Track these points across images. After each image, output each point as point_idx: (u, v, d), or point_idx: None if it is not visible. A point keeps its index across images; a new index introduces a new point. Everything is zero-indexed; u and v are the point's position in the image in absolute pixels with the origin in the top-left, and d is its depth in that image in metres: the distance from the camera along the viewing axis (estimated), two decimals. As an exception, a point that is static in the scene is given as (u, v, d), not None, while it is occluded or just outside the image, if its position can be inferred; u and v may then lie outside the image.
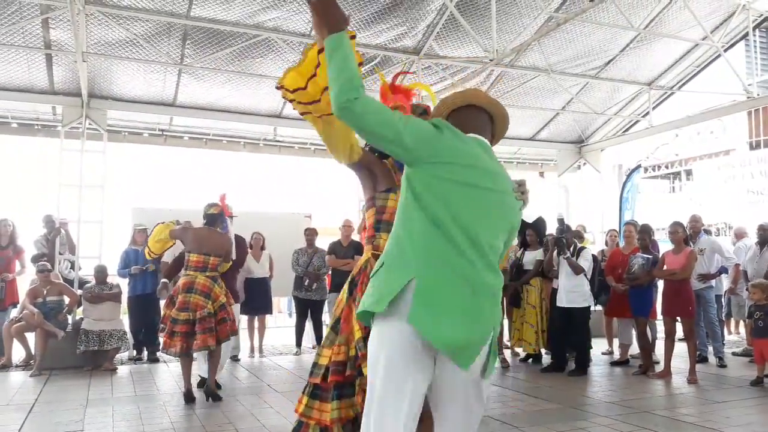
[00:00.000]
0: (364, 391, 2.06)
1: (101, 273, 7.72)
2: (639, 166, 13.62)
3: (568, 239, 7.05)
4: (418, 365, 1.95)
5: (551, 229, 7.57)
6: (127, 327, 7.82)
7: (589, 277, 7.05)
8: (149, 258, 6.45)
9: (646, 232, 7.31)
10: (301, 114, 2.68)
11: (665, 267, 6.71)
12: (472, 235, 1.99)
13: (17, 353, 7.55)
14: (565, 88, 9.86)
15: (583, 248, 7.19)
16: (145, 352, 8.04)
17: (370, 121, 1.93)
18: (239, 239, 7.04)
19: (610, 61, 9.65)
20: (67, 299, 7.60)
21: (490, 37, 7.71)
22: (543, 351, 7.70)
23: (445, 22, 8.13)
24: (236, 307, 6.51)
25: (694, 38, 9.28)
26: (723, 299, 8.73)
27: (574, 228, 8.18)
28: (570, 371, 6.94)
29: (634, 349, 7.51)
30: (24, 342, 7.45)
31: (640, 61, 9.83)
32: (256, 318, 8.57)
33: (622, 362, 7.46)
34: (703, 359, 7.40)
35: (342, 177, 11.93)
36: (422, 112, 2.79)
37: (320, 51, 2.38)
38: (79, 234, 8.32)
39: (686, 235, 6.94)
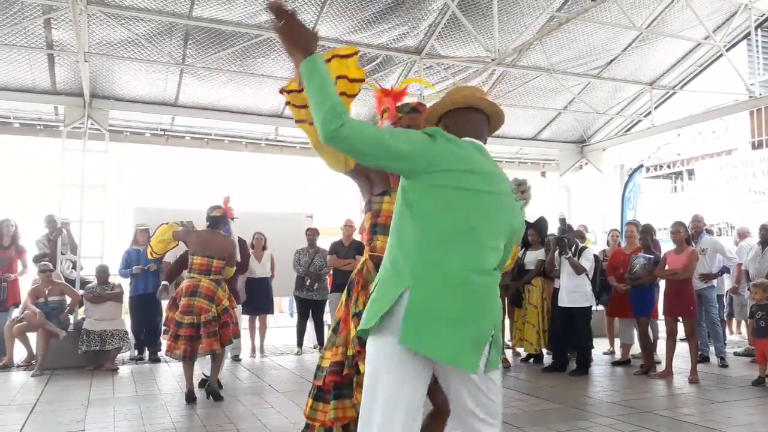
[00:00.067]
0: (362, 386, 2.08)
1: (103, 273, 7.73)
2: (641, 166, 13.60)
3: (570, 239, 7.05)
4: (413, 374, 1.95)
5: (553, 228, 7.57)
6: (128, 327, 7.83)
7: (590, 277, 7.04)
8: (150, 257, 6.45)
9: (647, 231, 7.29)
10: (297, 122, 2.67)
11: (667, 267, 6.70)
12: (471, 238, 1.99)
13: (19, 353, 7.55)
14: (566, 87, 9.85)
15: (584, 248, 7.19)
16: (147, 352, 8.05)
17: (359, 144, 1.93)
18: (240, 242, 7.04)
19: (612, 61, 9.64)
20: (68, 299, 7.60)
21: (491, 36, 7.71)
22: (544, 351, 7.69)
23: (447, 22, 8.13)
24: (238, 308, 6.51)
25: (696, 38, 9.27)
26: (725, 299, 8.72)
27: (575, 228, 8.17)
28: (571, 371, 6.93)
29: (636, 349, 7.50)
30: (25, 342, 7.46)
31: (642, 60, 9.82)
32: (258, 318, 8.57)
33: (624, 362, 7.45)
34: (705, 359, 7.38)
35: (343, 177, 11.91)
36: (410, 110, 2.76)
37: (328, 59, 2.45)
38: (81, 234, 8.33)
39: (688, 234, 6.93)
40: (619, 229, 9.55)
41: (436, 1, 7.78)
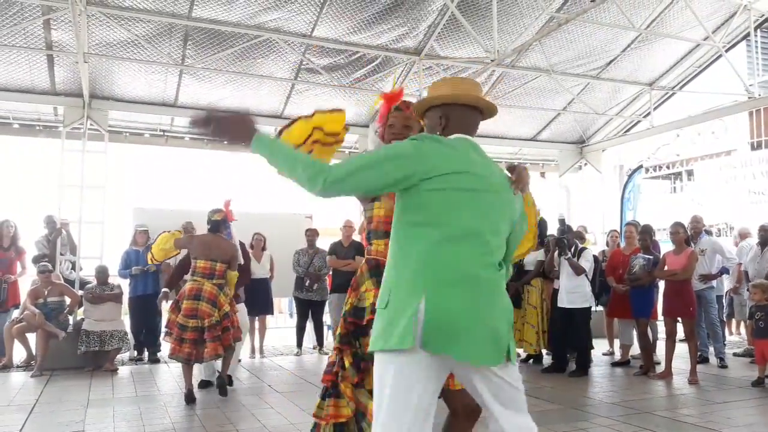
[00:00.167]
0: (348, 380, 2.19)
1: (102, 273, 7.72)
2: (640, 167, 13.61)
3: (569, 240, 7.05)
4: (424, 379, 1.94)
5: (552, 229, 7.57)
6: (128, 327, 7.82)
7: (590, 277, 7.04)
8: (150, 263, 6.45)
9: (647, 232, 7.30)
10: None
11: (666, 267, 6.71)
12: (476, 238, 1.99)
13: (18, 354, 7.55)
14: (566, 88, 9.86)
15: (584, 249, 7.19)
16: (146, 353, 8.04)
17: (351, 185, 1.96)
18: (240, 245, 7.05)
19: (611, 62, 9.65)
20: (68, 300, 7.60)
21: (491, 37, 7.71)
22: (544, 351, 7.69)
23: (446, 23, 8.13)
24: (242, 309, 6.50)
25: (696, 38, 9.28)
26: (724, 300, 8.73)
27: (575, 228, 8.18)
28: (571, 372, 6.94)
29: (635, 349, 7.51)
30: (25, 342, 7.45)
31: (642, 61, 9.83)
32: (257, 319, 8.57)
33: (623, 363, 7.45)
34: (704, 360, 7.39)
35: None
36: (395, 109, 2.75)
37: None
38: (80, 234, 8.33)
39: (687, 235, 6.94)
40: (619, 230, 9.55)
41: (435, 2, 7.79)
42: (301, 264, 8.46)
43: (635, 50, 9.47)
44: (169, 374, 7.09)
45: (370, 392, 2.60)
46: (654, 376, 6.68)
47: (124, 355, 7.89)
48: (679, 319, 6.62)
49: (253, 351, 8.51)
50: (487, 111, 2.25)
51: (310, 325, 8.90)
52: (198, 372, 6.14)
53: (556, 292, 7.18)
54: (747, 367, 7.14)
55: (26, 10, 6.98)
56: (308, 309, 8.63)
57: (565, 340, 7.15)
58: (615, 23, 8.49)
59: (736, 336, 9.87)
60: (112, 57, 7.88)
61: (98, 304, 7.50)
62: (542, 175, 12.56)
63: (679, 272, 6.51)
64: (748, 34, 9.51)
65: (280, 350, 8.86)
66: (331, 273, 8.48)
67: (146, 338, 8.07)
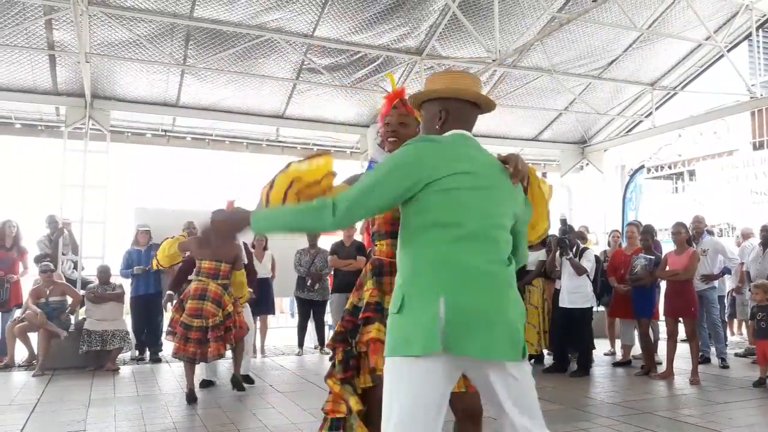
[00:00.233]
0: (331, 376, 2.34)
1: (104, 273, 7.73)
2: (642, 167, 13.60)
3: (571, 240, 7.05)
4: (443, 387, 1.94)
5: (554, 229, 7.56)
6: (129, 327, 7.83)
7: (591, 277, 7.04)
8: (155, 268, 6.47)
9: (648, 232, 7.29)
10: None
11: (668, 268, 6.70)
12: (484, 235, 2.00)
13: (20, 353, 7.56)
14: (567, 88, 9.85)
15: (585, 249, 7.19)
16: (148, 353, 8.05)
17: (359, 211, 1.98)
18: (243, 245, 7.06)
19: (613, 62, 9.64)
20: (69, 299, 7.61)
21: (492, 37, 7.71)
22: (545, 352, 7.69)
23: (448, 23, 8.13)
24: (247, 308, 6.51)
25: (698, 38, 9.27)
26: (726, 300, 8.72)
27: (576, 228, 8.18)
28: (572, 372, 6.93)
29: (637, 349, 7.50)
30: (27, 342, 7.46)
31: (643, 61, 9.82)
32: (259, 318, 8.55)
33: (625, 363, 7.45)
34: (706, 360, 7.38)
35: (344, 178, 11.92)
36: (393, 107, 2.75)
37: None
38: (82, 234, 8.33)
39: (689, 235, 6.93)
40: (620, 230, 9.55)
41: (437, 2, 7.78)
42: (303, 264, 8.46)
43: (637, 50, 9.46)
44: (171, 374, 7.10)
45: (355, 389, 2.62)
46: (655, 376, 6.68)
47: (126, 355, 7.90)
48: (681, 319, 6.62)
49: (254, 351, 8.50)
50: (485, 106, 2.23)
51: (311, 325, 8.91)
52: (200, 372, 6.14)
53: (557, 292, 7.18)
54: (748, 367, 7.13)
55: (28, 10, 6.99)
56: (310, 309, 8.63)
57: (567, 341, 7.14)
58: (617, 23, 8.49)
59: (738, 336, 9.86)
60: (114, 57, 7.89)
61: (100, 304, 7.52)
62: (544, 175, 12.51)
63: (680, 272, 6.50)
64: (750, 34, 9.50)
65: (281, 350, 8.87)
66: (332, 273, 8.48)
67: (148, 338, 8.08)
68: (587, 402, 5.60)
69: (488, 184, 2.06)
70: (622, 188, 12.34)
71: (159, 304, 8.18)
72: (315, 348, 8.80)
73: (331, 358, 2.76)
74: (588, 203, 12.20)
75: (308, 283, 8.39)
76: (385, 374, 1.97)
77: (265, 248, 8.49)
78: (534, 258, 7.62)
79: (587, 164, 11.87)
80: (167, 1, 7.18)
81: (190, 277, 5.88)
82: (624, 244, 8.20)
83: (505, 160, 2.14)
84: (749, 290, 7.35)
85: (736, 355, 8.03)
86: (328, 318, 8.91)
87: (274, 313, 9.40)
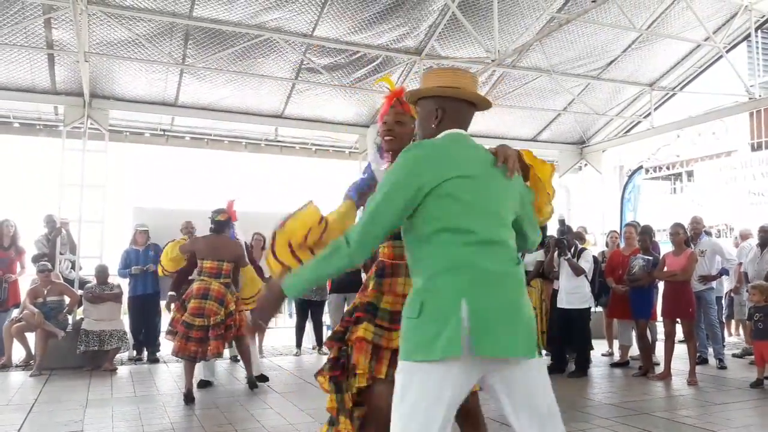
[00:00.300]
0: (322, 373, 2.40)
1: (102, 273, 7.72)
2: (640, 167, 13.60)
3: (569, 240, 7.05)
4: (460, 390, 1.94)
5: (552, 230, 7.56)
6: (127, 327, 7.82)
7: (589, 278, 7.04)
8: (161, 275, 6.47)
9: (646, 233, 7.30)
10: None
11: (666, 268, 6.70)
12: (492, 236, 2.00)
13: (17, 353, 7.55)
14: (566, 88, 9.85)
15: (583, 249, 7.19)
16: (145, 353, 8.05)
17: (373, 235, 2.01)
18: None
19: (611, 62, 9.65)
20: (67, 299, 7.60)
21: (492, 37, 7.71)
22: (543, 352, 7.68)
23: (447, 23, 8.13)
24: None
25: (696, 39, 9.27)
26: (723, 301, 8.73)
27: (575, 229, 8.18)
28: (570, 372, 6.93)
29: (635, 350, 7.50)
30: (24, 342, 7.45)
31: (642, 61, 9.83)
32: (257, 318, 8.56)
33: (622, 364, 7.45)
34: (703, 361, 7.39)
35: (343, 178, 11.94)
36: (391, 107, 2.74)
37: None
38: (80, 234, 8.32)
39: (687, 236, 6.93)
40: (618, 231, 9.55)
41: (436, 2, 7.78)
42: (301, 264, 8.45)
43: (636, 51, 9.46)
44: (168, 374, 7.09)
45: (347, 388, 2.62)
46: (653, 377, 6.68)
47: (123, 355, 7.89)
48: (678, 320, 6.62)
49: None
50: (481, 104, 2.23)
51: (309, 326, 8.90)
52: (198, 372, 6.14)
53: (555, 292, 7.18)
54: (746, 368, 7.14)
55: (27, 9, 6.98)
56: (307, 309, 8.63)
57: (565, 341, 7.14)
58: (616, 24, 8.49)
59: (735, 337, 9.87)
60: (113, 56, 7.88)
61: (98, 304, 7.50)
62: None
63: (678, 273, 6.51)
64: (748, 35, 9.51)
65: (279, 350, 8.87)
66: (330, 273, 8.47)
67: (145, 338, 8.07)
68: (585, 403, 5.60)
69: (486, 182, 2.06)
70: (620, 189, 12.33)
71: (157, 304, 8.19)
72: (313, 348, 8.79)
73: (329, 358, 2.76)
74: (586, 204, 12.20)
75: (307, 283, 8.36)
76: (399, 377, 1.96)
77: (263, 248, 8.46)
78: (532, 258, 7.63)
79: (586, 165, 11.88)
80: (166, 1, 7.17)
81: (191, 277, 5.91)
82: (622, 245, 8.21)
83: (494, 153, 2.14)
84: (747, 291, 7.36)
85: (734, 355, 8.04)
86: (326, 318, 8.91)
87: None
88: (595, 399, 5.75)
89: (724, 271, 7.72)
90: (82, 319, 7.59)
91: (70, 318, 7.71)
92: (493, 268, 1.96)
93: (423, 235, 2.00)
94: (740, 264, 8.17)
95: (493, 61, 7.82)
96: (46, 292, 7.42)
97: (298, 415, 5.06)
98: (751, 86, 9.30)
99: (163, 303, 8.49)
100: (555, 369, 7.05)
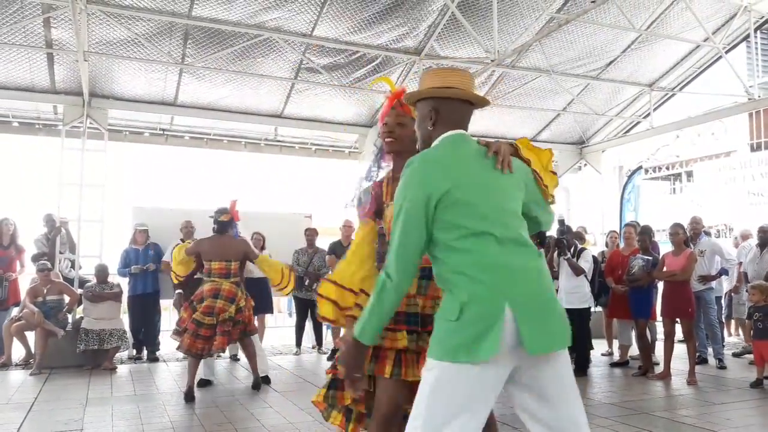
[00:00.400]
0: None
1: (102, 272, 7.72)
2: (640, 168, 13.62)
3: (569, 240, 7.05)
4: (492, 392, 1.96)
5: (552, 230, 7.57)
6: (126, 326, 7.82)
7: (589, 278, 7.04)
8: (176, 282, 6.51)
9: (646, 233, 7.30)
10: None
11: (665, 268, 6.71)
12: (512, 234, 2.03)
13: (17, 352, 7.55)
14: (566, 89, 9.86)
15: (583, 249, 7.20)
16: (145, 352, 8.05)
17: (408, 262, 2.03)
18: None
19: (611, 62, 9.65)
20: (67, 298, 7.60)
21: (491, 37, 7.71)
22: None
23: (447, 23, 8.13)
24: None
25: (696, 39, 9.27)
26: (723, 301, 8.74)
27: (574, 229, 8.18)
28: (570, 372, 6.92)
29: (634, 350, 7.51)
30: (24, 341, 7.45)
31: (642, 62, 9.83)
32: (256, 318, 8.54)
33: (622, 363, 7.45)
34: (703, 361, 7.39)
35: (343, 177, 11.95)
36: (393, 107, 2.74)
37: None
38: (80, 233, 8.32)
39: (686, 236, 6.94)
40: (618, 231, 9.55)
41: (435, 2, 7.78)
42: (301, 263, 8.46)
43: (635, 51, 9.47)
44: (168, 373, 7.09)
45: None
46: (653, 376, 6.69)
47: (123, 354, 7.89)
48: (678, 319, 6.63)
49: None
50: (477, 102, 2.23)
51: (309, 325, 8.90)
52: (198, 371, 6.13)
53: (555, 292, 7.16)
54: (746, 368, 7.14)
55: (26, 8, 6.97)
56: (307, 308, 8.62)
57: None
58: (615, 24, 8.49)
59: (735, 337, 9.87)
60: (112, 55, 7.88)
61: (97, 303, 7.50)
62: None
63: (678, 273, 6.51)
64: (748, 36, 9.51)
65: (279, 349, 8.86)
66: (330, 272, 8.47)
67: (145, 337, 8.07)
68: (585, 402, 5.55)
69: (489, 179, 2.07)
70: (619, 189, 12.35)
71: (156, 303, 8.21)
72: (312, 348, 8.79)
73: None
74: (586, 204, 12.21)
75: (306, 283, 8.38)
76: (433, 373, 1.96)
77: (262, 248, 8.47)
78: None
79: (585, 165, 11.88)
80: (165, 0, 7.17)
81: (202, 278, 5.99)
82: (621, 245, 8.22)
83: (485, 145, 2.16)
84: (746, 291, 7.37)
85: (734, 354, 8.05)
86: (326, 318, 8.90)
87: (272, 313, 9.40)
88: (595, 398, 5.75)
89: (723, 271, 7.73)
90: (81, 318, 7.59)
91: (69, 317, 7.70)
92: (521, 264, 2.00)
93: (447, 244, 2.02)
94: (740, 264, 8.18)
95: (492, 61, 7.82)
96: (45, 291, 7.42)
97: (297, 414, 5.06)
98: (750, 87, 9.30)
99: (162, 302, 8.55)
100: (554, 369, 7.05)
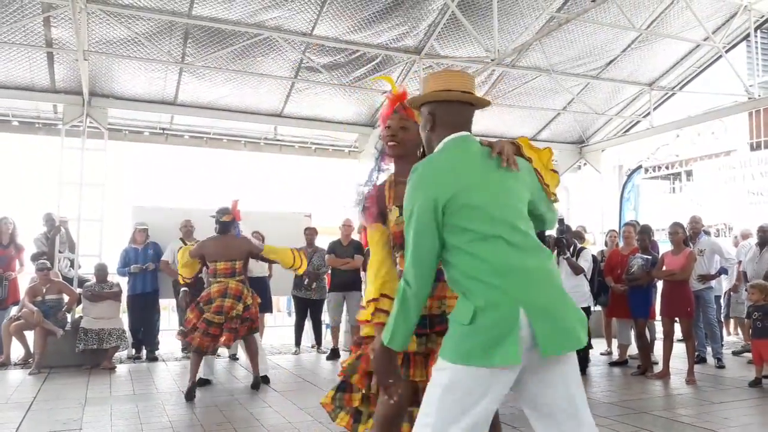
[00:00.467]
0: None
1: (102, 271, 7.71)
2: (640, 167, 13.60)
3: (568, 239, 7.05)
4: (498, 394, 1.97)
5: (551, 229, 7.56)
6: (126, 326, 7.82)
7: (588, 277, 7.04)
8: (183, 283, 6.55)
9: (645, 232, 7.30)
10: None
11: (664, 268, 6.71)
12: (521, 236, 2.03)
13: (16, 351, 7.55)
14: (566, 88, 9.86)
15: (583, 249, 7.19)
16: (144, 351, 8.04)
17: (425, 269, 2.03)
18: None
19: (611, 62, 9.65)
20: (66, 297, 7.60)
21: (491, 36, 7.71)
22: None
23: (447, 22, 8.13)
24: None
25: (696, 39, 9.27)
26: (722, 300, 8.74)
27: (574, 228, 8.18)
28: (569, 372, 6.92)
29: (633, 349, 7.50)
30: (23, 340, 7.45)
31: (642, 61, 9.83)
32: (256, 317, 8.56)
33: (621, 363, 7.45)
34: (702, 360, 7.39)
35: (342, 177, 11.95)
36: (394, 112, 2.73)
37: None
38: (79, 232, 8.33)
39: (686, 235, 6.94)
40: (617, 230, 9.55)
41: (435, 1, 7.78)
42: (300, 263, 8.45)
43: (635, 50, 9.47)
44: (167, 372, 7.10)
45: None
46: (652, 375, 6.69)
47: (122, 353, 7.89)
48: (677, 319, 6.63)
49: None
50: (478, 103, 2.23)
51: (308, 324, 8.90)
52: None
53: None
54: (744, 367, 7.14)
55: (26, 7, 6.97)
56: (307, 308, 8.63)
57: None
58: (615, 23, 8.49)
59: (734, 336, 9.87)
60: (112, 55, 7.88)
61: (97, 302, 7.50)
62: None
63: (677, 272, 6.51)
64: (748, 35, 9.51)
65: (278, 349, 8.86)
66: (330, 272, 8.48)
67: (144, 336, 8.07)
68: (584, 402, 5.59)
69: (495, 180, 2.07)
70: (619, 188, 12.35)
71: (156, 302, 8.22)
72: (312, 347, 8.79)
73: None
74: (585, 203, 12.21)
75: (305, 282, 8.38)
76: (446, 374, 1.96)
77: (262, 247, 8.47)
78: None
79: (585, 164, 11.88)
80: (165, -1, 7.17)
81: (209, 278, 6.02)
82: (621, 244, 8.21)
83: (489, 146, 2.16)
84: (746, 290, 7.37)
85: (734, 353, 8.06)
86: (326, 317, 8.91)
87: (271, 312, 9.40)
88: (594, 398, 5.75)
89: (722, 271, 7.73)
90: (80, 317, 7.59)
91: (69, 316, 7.70)
92: (532, 266, 2.00)
93: (459, 248, 2.02)
94: (739, 263, 8.18)
95: (492, 60, 7.82)
96: (45, 290, 7.41)
97: (297, 414, 5.06)
98: (750, 86, 9.30)
99: (162, 302, 8.56)
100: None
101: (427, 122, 2.20)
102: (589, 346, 7.20)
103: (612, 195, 12.28)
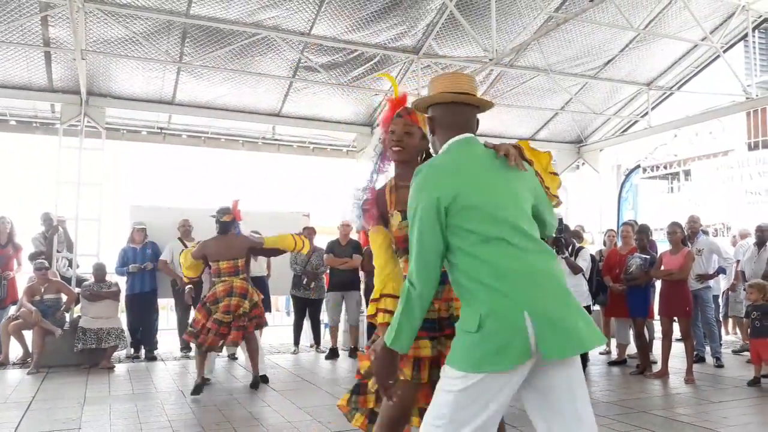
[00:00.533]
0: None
1: (100, 271, 7.71)
2: (638, 167, 13.63)
3: (567, 239, 7.06)
4: (505, 397, 1.97)
5: (550, 229, 7.56)
6: (124, 325, 7.81)
7: (587, 277, 7.05)
8: (187, 282, 6.59)
9: (644, 232, 7.31)
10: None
11: (663, 267, 6.71)
12: (525, 237, 2.02)
13: (14, 351, 7.54)
14: (564, 88, 9.87)
15: (581, 248, 7.20)
16: (143, 351, 8.04)
17: (430, 268, 2.02)
18: None
19: (609, 62, 9.66)
20: (64, 297, 7.58)
21: (489, 36, 7.72)
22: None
23: (445, 22, 8.13)
24: None
25: (694, 39, 9.29)
26: (720, 300, 8.75)
27: (572, 228, 8.18)
28: (568, 371, 6.93)
29: (632, 348, 7.51)
30: (21, 340, 7.44)
31: (640, 61, 9.85)
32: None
33: (620, 362, 7.46)
34: (701, 359, 7.40)
35: (341, 176, 11.95)
36: (396, 116, 2.71)
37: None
38: (77, 232, 8.32)
39: (684, 235, 6.94)
40: (616, 230, 9.56)
41: (434, 1, 7.78)
42: (299, 262, 8.45)
43: (633, 50, 9.48)
44: (166, 372, 7.09)
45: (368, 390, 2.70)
46: (650, 375, 6.69)
47: (121, 353, 7.89)
48: (676, 318, 6.64)
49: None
50: (479, 103, 2.22)
51: (307, 324, 8.90)
52: (195, 370, 6.15)
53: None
54: (743, 366, 7.15)
55: (24, 6, 6.96)
56: (305, 307, 8.62)
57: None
58: (613, 23, 8.50)
59: (733, 336, 9.89)
60: (110, 54, 7.87)
61: (95, 302, 7.49)
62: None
63: (675, 272, 6.52)
64: (746, 35, 9.53)
65: (277, 348, 8.86)
66: (328, 271, 8.48)
67: (143, 336, 8.06)
68: (582, 401, 5.60)
69: (499, 181, 2.07)
70: (617, 188, 12.37)
71: (154, 302, 8.21)
72: (311, 346, 8.79)
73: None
74: (584, 202, 12.22)
75: (304, 282, 8.38)
76: (454, 384, 1.96)
77: (261, 247, 8.47)
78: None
79: (583, 164, 11.90)
80: (164, -1, 7.17)
81: (212, 278, 6.05)
82: (619, 244, 8.22)
83: (494, 148, 2.16)
84: (744, 290, 7.39)
85: (734, 352, 8.07)
86: (324, 317, 8.91)
87: (270, 311, 9.38)
88: (593, 397, 5.75)
89: (721, 270, 7.74)
90: (79, 317, 7.58)
91: (67, 316, 7.69)
92: (536, 268, 1.99)
93: (462, 250, 2.02)
94: (738, 262, 8.20)
95: (490, 60, 7.82)
96: (43, 289, 7.40)
97: (296, 413, 5.06)
98: (748, 86, 9.31)
99: (160, 301, 8.55)
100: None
101: (428, 125, 2.22)
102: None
103: (610, 194, 12.29)
